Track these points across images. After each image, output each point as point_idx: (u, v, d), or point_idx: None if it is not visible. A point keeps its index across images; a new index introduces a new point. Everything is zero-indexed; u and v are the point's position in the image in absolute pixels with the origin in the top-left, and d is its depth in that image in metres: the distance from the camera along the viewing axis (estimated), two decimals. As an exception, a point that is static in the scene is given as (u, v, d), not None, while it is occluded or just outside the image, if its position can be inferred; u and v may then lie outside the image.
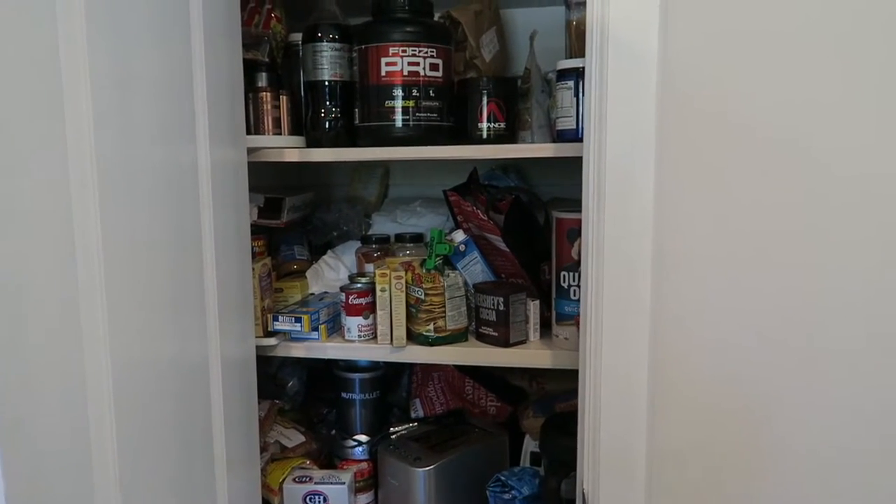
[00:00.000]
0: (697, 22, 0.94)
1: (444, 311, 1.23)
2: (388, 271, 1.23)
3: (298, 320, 1.26)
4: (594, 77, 0.97)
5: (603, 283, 1.01)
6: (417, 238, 1.40)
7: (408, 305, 1.25)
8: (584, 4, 1.13)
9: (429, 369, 1.55)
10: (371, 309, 1.27)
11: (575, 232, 1.13)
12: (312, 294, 1.43)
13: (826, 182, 0.92)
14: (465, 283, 1.28)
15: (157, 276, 0.91)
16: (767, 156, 0.93)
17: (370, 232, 1.53)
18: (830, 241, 0.93)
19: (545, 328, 1.28)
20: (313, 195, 1.64)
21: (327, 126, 1.30)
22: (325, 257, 1.49)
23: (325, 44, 1.27)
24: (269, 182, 1.53)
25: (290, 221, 1.46)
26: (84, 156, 0.75)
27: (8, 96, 0.66)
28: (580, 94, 1.13)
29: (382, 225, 1.52)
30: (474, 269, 1.30)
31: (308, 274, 1.45)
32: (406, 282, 1.24)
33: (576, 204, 1.04)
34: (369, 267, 1.38)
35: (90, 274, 0.76)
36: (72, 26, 0.73)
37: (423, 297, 1.22)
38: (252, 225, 1.25)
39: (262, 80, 1.30)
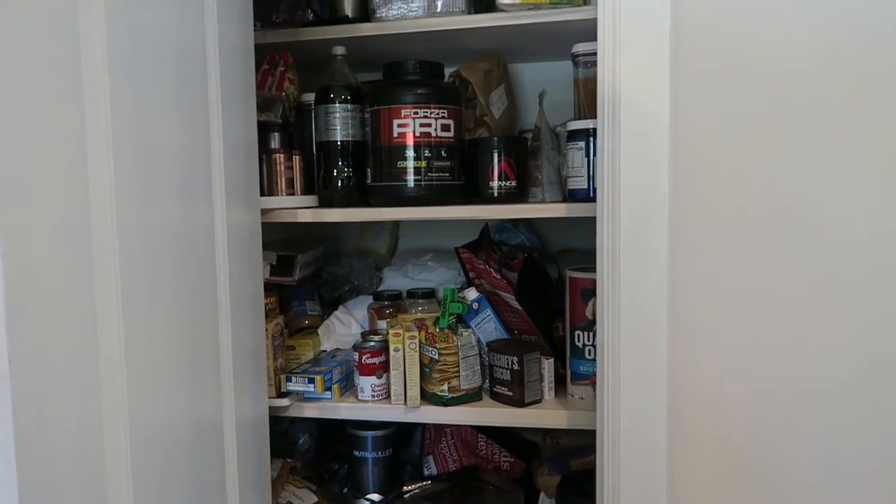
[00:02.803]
0: (708, 87, 0.95)
1: (458, 371, 1.23)
2: (401, 331, 1.23)
3: (311, 381, 1.25)
4: (606, 142, 0.98)
5: (619, 344, 1.01)
6: (429, 294, 1.40)
7: (421, 365, 1.24)
8: (591, 63, 1.16)
9: (442, 425, 1.53)
10: (384, 368, 1.26)
11: (589, 291, 1.13)
12: (325, 351, 1.43)
13: (836, 245, 0.93)
14: (479, 341, 1.28)
15: (175, 337, 0.92)
16: (779, 219, 0.95)
17: (381, 287, 1.53)
18: (838, 302, 0.94)
19: (559, 385, 1.27)
20: (324, 249, 1.65)
21: (339, 185, 1.31)
22: (336, 313, 1.49)
23: (337, 105, 1.29)
24: (279, 235, 1.54)
25: (302, 278, 1.46)
26: (106, 220, 0.76)
27: (34, 163, 0.67)
28: (591, 155, 1.14)
29: (394, 280, 1.53)
30: (487, 326, 1.29)
31: (320, 331, 1.45)
32: (419, 341, 1.23)
33: (587, 256, 1.04)
34: (381, 323, 1.38)
35: (110, 335, 0.77)
36: (96, 94, 0.74)
37: (436, 356, 1.21)
38: (264, 283, 1.25)
39: (275, 140, 1.31)
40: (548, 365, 1.24)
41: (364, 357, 1.26)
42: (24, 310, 0.66)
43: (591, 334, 1.15)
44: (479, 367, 1.26)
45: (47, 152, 0.70)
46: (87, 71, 0.74)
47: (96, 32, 0.74)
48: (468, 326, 1.28)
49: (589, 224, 1.05)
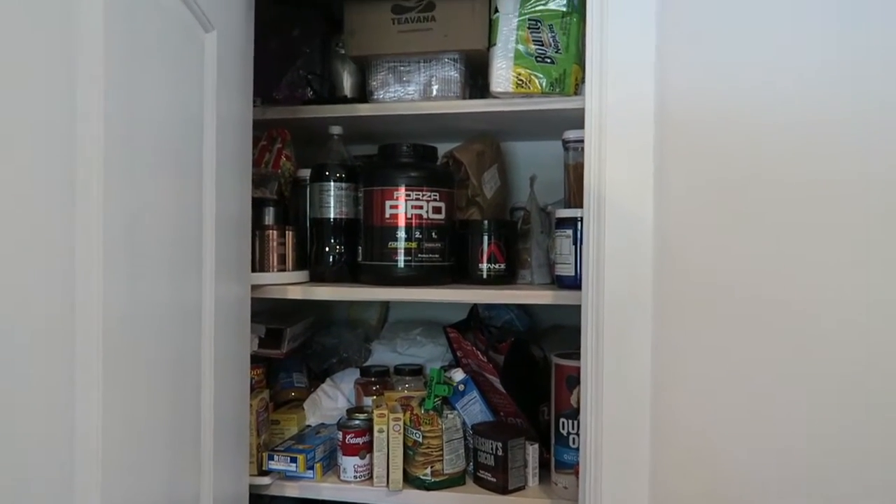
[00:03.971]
0: (693, 181, 0.98)
1: (442, 455, 1.21)
2: (386, 412, 1.23)
3: (294, 460, 1.24)
4: (592, 235, 1.00)
5: (602, 437, 1.01)
6: (417, 371, 1.39)
7: (405, 447, 1.23)
8: (582, 149, 1.18)
9: (425, 503, 1.51)
10: (368, 449, 1.25)
11: (574, 379, 1.13)
12: (309, 426, 1.42)
13: (817, 334, 0.94)
14: (464, 424, 1.27)
15: (155, 414, 0.90)
16: (762, 312, 0.96)
17: (370, 360, 1.53)
18: (818, 390, 0.95)
19: (544, 470, 1.25)
20: (314, 318, 1.65)
21: (331, 261, 1.33)
22: (323, 385, 1.48)
23: (331, 183, 1.32)
24: (270, 303, 1.54)
25: (291, 350, 1.46)
26: (91, 294, 0.75)
27: (19, 232, 0.67)
28: (578, 243, 1.16)
29: (382, 354, 1.52)
30: (473, 408, 1.29)
31: (306, 405, 1.44)
32: (404, 423, 1.23)
33: (577, 334, 1.04)
34: (367, 400, 1.37)
35: (88, 409, 0.75)
36: (89, 167, 0.74)
37: (420, 439, 1.21)
38: (252, 354, 1.25)
39: (269, 216, 1.33)
40: (532, 450, 1.23)
41: (348, 437, 1.25)
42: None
43: (575, 422, 1.15)
44: (462, 450, 1.25)
45: (34, 222, 0.69)
46: (80, 142, 0.74)
47: (93, 107, 0.75)
48: (454, 408, 1.28)
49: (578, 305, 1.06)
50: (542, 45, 1.24)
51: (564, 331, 1.53)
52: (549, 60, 1.24)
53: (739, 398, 0.97)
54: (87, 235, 0.76)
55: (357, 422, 1.28)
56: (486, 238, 1.26)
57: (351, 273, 1.32)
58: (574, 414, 1.14)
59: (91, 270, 0.77)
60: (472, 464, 1.27)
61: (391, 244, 1.24)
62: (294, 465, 1.24)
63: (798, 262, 0.94)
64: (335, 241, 1.32)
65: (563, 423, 1.17)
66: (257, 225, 1.28)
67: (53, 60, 0.70)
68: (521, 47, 1.24)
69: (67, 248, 0.74)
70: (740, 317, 0.96)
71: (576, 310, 1.06)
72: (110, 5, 0.74)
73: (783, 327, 0.95)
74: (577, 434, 1.14)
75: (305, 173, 1.40)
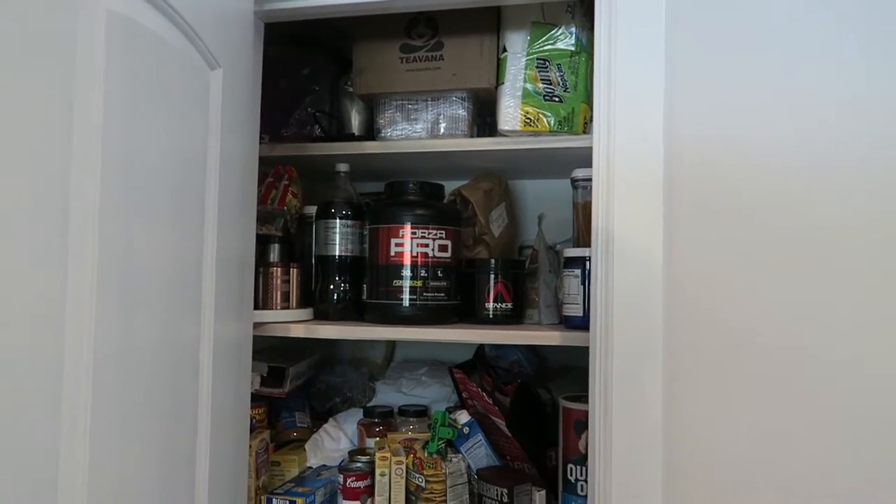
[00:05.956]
0: (702, 224, 0.95)
1: (446, 500, 1.18)
2: (388, 455, 1.19)
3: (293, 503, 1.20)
4: (600, 277, 0.98)
5: (611, 486, 0.97)
6: (421, 413, 1.36)
7: (407, 492, 1.20)
8: (591, 188, 1.16)
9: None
10: (369, 493, 1.22)
11: (582, 423, 1.09)
12: (311, 467, 1.38)
13: (831, 392, 0.91)
14: (469, 468, 1.23)
15: (146, 461, 0.87)
16: (772, 357, 0.93)
17: (374, 401, 1.50)
18: (829, 439, 0.91)
19: (551, 517, 1.21)
20: (319, 356, 1.63)
21: (335, 299, 1.31)
22: (326, 426, 1.45)
23: (337, 221, 1.31)
24: (275, 340, 1.51)
25: (293, 389, 1.43)
26: (81, 333, 0.73)
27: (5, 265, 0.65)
28: (586, 283, 1.13)
29: (387, 394, 1.49)
30: (478, 452, 1.25)
31: (307, 446, 1.41)
32: (407, 467, 1.19)
33: (584, 378, 1.00)
34: (370, 441, 1.34)
35: (72, 457, 0.72)
36: (85, 200, 0.72)
37: (423, 484, 1.17)
38: (253, 393, 1.23)
39: (274, 253, 1.32)
40: (539, 497, 1.19)
41: (349, 480, 1.22)
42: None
43: (584, 469, 1.11)
44: (467, 496, 1.21)
45: (23, 257, 0.67)
46: (76, 181, 0.72)
47: (91, 145, 0.73)
48: (458, 451, 1.24)
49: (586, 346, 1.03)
50: (551, 84, 1.24)
51: (574, 372, 1.50)
52: (557, 99, 1.23)
53: (756, 445, 0.93)
54: (79, 275, 0.74)
55: (358, 465, 1.24)
56: (492, 277, 1.24)
57: (356, 311, 1.30)
58: (582, 460, 1.11)
59: (82, 311, 0.74)
60: (476, 510, 1.23)
61: (396, 282, 1.22)
62: (293, 509, 1.20)
63: (816, 308, 0.91)
64: (340, 278, 1.30)
65: (571, 469, 1.13)
66: (261, 262, 1.27)
67: (49, 96, 0.69)
68: (529, 86, 1.23)
69: (58, 287, 0.72)
70: (756, 359, 0.93)
71: (585, 351, 1.03)
72: (112, 41, 0.74)
73: (800, 370, 0.92)
74: (586, 481, 1.10)
75: (311, 210, 1.39)
